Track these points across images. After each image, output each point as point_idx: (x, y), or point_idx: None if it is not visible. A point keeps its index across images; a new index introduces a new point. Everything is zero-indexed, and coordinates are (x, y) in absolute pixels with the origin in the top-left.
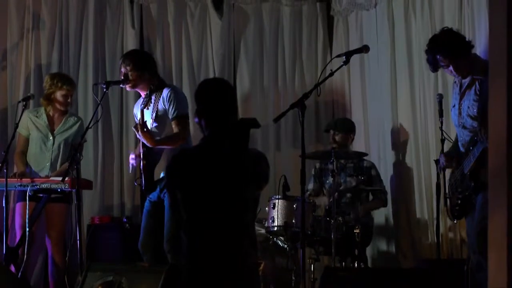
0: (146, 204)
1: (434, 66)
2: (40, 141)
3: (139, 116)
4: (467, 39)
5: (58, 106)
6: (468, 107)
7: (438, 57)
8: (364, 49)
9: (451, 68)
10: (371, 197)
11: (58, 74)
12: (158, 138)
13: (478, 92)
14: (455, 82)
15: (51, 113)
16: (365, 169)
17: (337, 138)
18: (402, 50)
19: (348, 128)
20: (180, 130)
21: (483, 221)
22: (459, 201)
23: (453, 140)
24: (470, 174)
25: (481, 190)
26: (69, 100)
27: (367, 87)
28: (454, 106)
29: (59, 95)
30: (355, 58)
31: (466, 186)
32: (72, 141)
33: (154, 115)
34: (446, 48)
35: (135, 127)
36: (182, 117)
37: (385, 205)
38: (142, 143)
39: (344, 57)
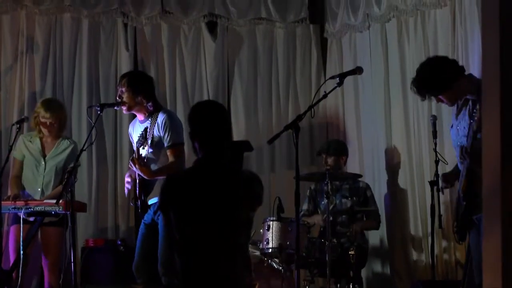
0: (141, 227)
1: (423, 97)
2: (33, 166)
3: (135, 139)
4: (455, 68)
5: (42, 130)
6: (464, 127)
7: (423, 93)
8: (358, 70)
9: (440, 99)
10: (365, 219)
11: (44, 102)
12: (154, 169)
13: (471, 112)
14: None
15: (43, 138)
16: (361, 190)
17: (329, 161)
18: (396, 71)
19: (340, 150)
20: (175, 159)
21: None
22: (457, 222)
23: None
24: (463, 193)
25: (473, 210)
26: (49, 128)
27: (361, 109)
28: (452, 126)
29: (41, 122)
30: (348, 79)
31: (461, 206)
32: (64, 165)
33: (149, 141)
34: (430, 86)
35: (132, 160)
36: (177, 145)
37: (377, 227)
38: None
39: (338, 78)
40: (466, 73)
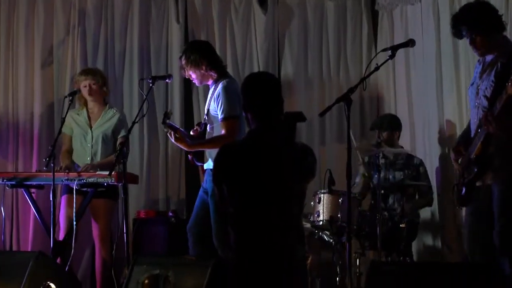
0: (200, 190)
1: (457, 34)
2: (81, 137)
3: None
4: (498, 19)
5: (86, 97)
6: (486, 88)
7: (460, 26)
8: (410, 43)
9: (473, 40)
10: (417, 196)
11: (83, 69)
12: (196, 140)
13: (498, 74)
14: (478, 60)
15: (90, 109)
16: (415, 166)
17: (383, 136)
18: (448, 43)
19: (393, 126)
20: (226, 132)
21: (502, 218)
22: (465, 188)
23: (466, 127)
24: (475, 158)
25: (483, 176)
26: (90, 91)
27: (412, 82)
28: (472, 84)
29: (81, 86)
30: (400, 52)
31: (471, 171)
32: (113, 133)
33: (206, 113)
34: (471, 19)
35: (169, 133)
36: (228, 118)
37: (430, 204)
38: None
39: (389, 51)
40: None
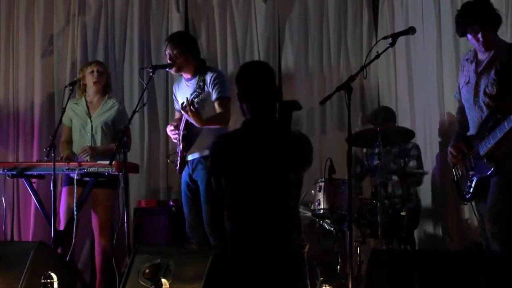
0: (183, 186)
1: (462, 31)
2: (80, 127)
3: (179, 98)
4: (499, 17)
5: (91, 85)
6: (487, 85)
7: (468, 21)
8: (411, 30)
9: (479, 35)
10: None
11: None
12: (205, 117)
13: (499, 72)
14: (467, 59)
15: (89, 99)
16: (408, 150)
17: (379, 130)
18: (448, 32)
19: (387, 118)
20: (224, 110)
21: (495, 207)
22: (473, 184)
23: (458, 123)
24: (488, 156)
25: (498, 172)
26: (97, 78)
27: (413, 70)
28: (467, 83)
29: (87, 73)
30: (400, 40)
31: (482, 169)
32: (113, 123)
33: (195, 101)
34: (479, 14)
35: (184, 108)
36: (224, 98)
37: (419, 184)
38: (185, 124)
39: (390, 39)
40: None
